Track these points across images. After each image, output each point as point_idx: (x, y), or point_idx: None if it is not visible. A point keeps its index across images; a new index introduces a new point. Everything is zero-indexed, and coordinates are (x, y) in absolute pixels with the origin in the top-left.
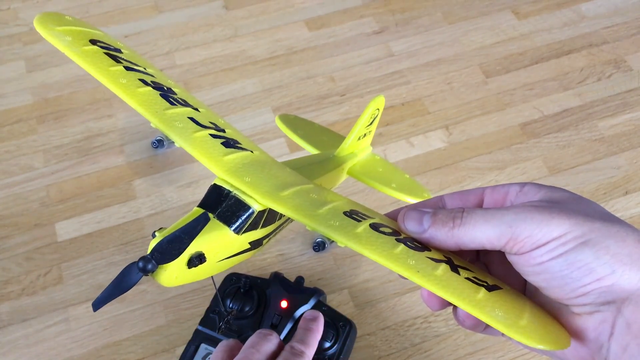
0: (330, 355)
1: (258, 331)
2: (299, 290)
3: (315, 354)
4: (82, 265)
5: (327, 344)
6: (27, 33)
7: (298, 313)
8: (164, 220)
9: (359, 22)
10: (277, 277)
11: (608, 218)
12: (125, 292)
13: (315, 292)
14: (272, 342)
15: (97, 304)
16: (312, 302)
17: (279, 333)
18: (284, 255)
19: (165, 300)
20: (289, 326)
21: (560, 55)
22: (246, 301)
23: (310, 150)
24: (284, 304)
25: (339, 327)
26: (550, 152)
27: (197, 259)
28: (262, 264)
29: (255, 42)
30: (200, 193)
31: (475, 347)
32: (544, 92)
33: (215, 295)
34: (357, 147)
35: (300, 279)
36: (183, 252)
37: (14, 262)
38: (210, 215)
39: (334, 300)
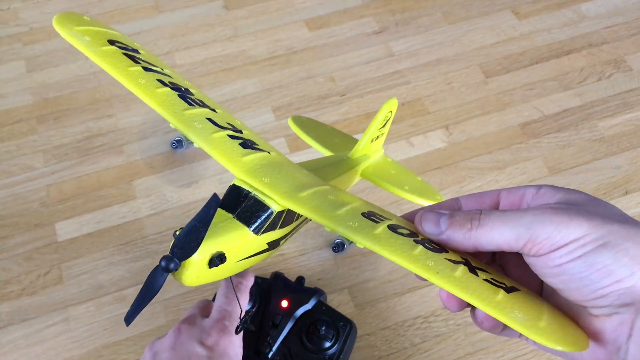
0: (331, 355)
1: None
2: (299, 290)
3: (315, 353)
4: (82, 265)
5: (328, 344)
6: (27, 33)
7: (299, 312)
8: (164, 220)
9: (359, 22)
10: (277, 276)
11: (626, 220)
12: (154, 297)
13: (316, 292)
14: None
15: (130, 317)
16: (312, 302)
17: (280, 332)
18: (284, 255)
19: (165, 300)
20: (289, 325)
21: (560, 55)
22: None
23: (323, 152)
24: (284, 303)
25: (339, 327)
26: (550, 152)
27: (218, 259)
28: (262, 264)
29: (255, 42)
30: (201, 193)
31: (475, 347)
32: (544, 92)
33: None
34: (370, 149)
35: (301, 279)
36: (201, 241)
37: (14, 262)
38: (230, 215)
39: (334, 300)
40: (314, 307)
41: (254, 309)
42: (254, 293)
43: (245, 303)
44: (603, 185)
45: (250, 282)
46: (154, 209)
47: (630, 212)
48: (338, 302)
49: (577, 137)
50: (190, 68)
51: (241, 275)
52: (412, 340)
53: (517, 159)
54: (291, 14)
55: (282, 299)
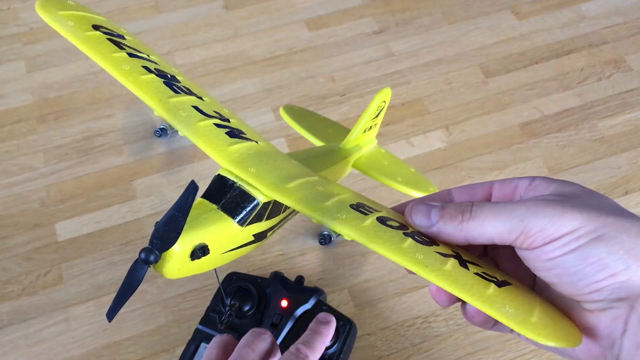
0: (331, 354)
1: (252, 330)
2: (299, 290)
3: None
4: (82, 265)
5: (328, 343)
6: (27, 33)
7: (298, 312)
8: None
9: (359, 22)
10: (277, 276)
11: (621, 212)
12: (135, 291)
13: (316, 292)
14: (266, 341)
15: (111, 313)
16: (312, 302)
17: (279, 332)
18: (284, 255)
19: (165, 300)
20: (289, 325)
21: (560, 55)
22: (246, 300)
23: (314, 142)
24: (284, 303)
25: (339, 326)
26: (550, 152)
27: (201, 251)
28: (262, 264)
29: (255, 42)
30: (201, 193)
31: (475, 347)
32: (544, 92)
33: (216, 294)
34: (363, 140)
35: (300, 279)
36: (181, 231)
37: (14, 262)
38: (214, 206)
39: (334, 300)
40: (314, 306)
41: (236, 304)
42: (254, 293)
43: (320, 351)
44: (603, 185)
45: (331, 330)
46: (154, 209)
47: None
48: (338, 302)
49: (577, 137)
50: (190, 68)
51: (323, 319)
52: (412, 340)
53: (517, 159)
54: (291, 14)
55: (282, 299)
